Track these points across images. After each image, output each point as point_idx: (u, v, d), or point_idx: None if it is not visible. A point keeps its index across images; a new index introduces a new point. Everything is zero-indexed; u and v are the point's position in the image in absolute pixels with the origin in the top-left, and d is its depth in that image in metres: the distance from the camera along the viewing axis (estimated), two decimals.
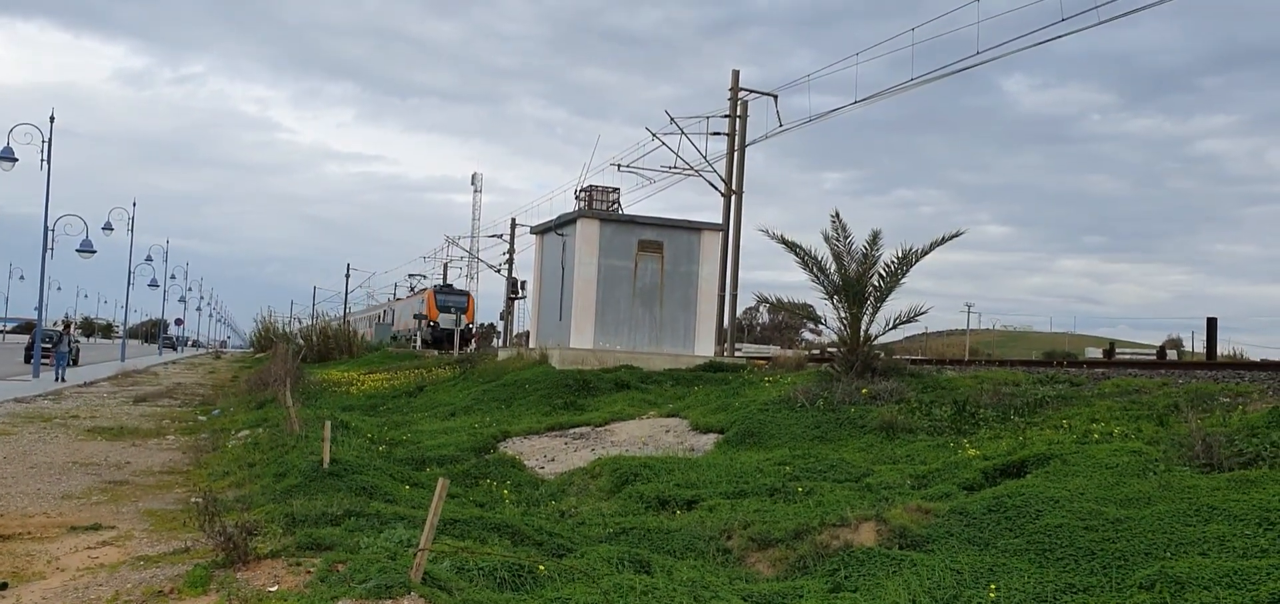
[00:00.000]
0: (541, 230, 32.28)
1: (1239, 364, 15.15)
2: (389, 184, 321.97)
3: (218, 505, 8.67)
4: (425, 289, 64.34)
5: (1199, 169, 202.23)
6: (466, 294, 62.77)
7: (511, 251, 67.40)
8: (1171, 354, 54.45)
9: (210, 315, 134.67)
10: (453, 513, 9.07)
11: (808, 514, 9.17)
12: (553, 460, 14.60)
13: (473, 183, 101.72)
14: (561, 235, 29.33)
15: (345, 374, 33.68)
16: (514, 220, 68.13)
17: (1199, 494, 8.02)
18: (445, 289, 63.15)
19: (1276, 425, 9.61)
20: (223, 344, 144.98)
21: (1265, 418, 9.94)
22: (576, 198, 30.53)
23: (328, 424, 12.26)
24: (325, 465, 11.34)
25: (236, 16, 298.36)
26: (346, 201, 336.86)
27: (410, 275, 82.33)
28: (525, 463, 14.29)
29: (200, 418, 22.77)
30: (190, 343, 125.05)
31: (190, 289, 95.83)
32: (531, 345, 31.09)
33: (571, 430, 16.94)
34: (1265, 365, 14.53)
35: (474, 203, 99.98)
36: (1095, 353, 62.36)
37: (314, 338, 54.80)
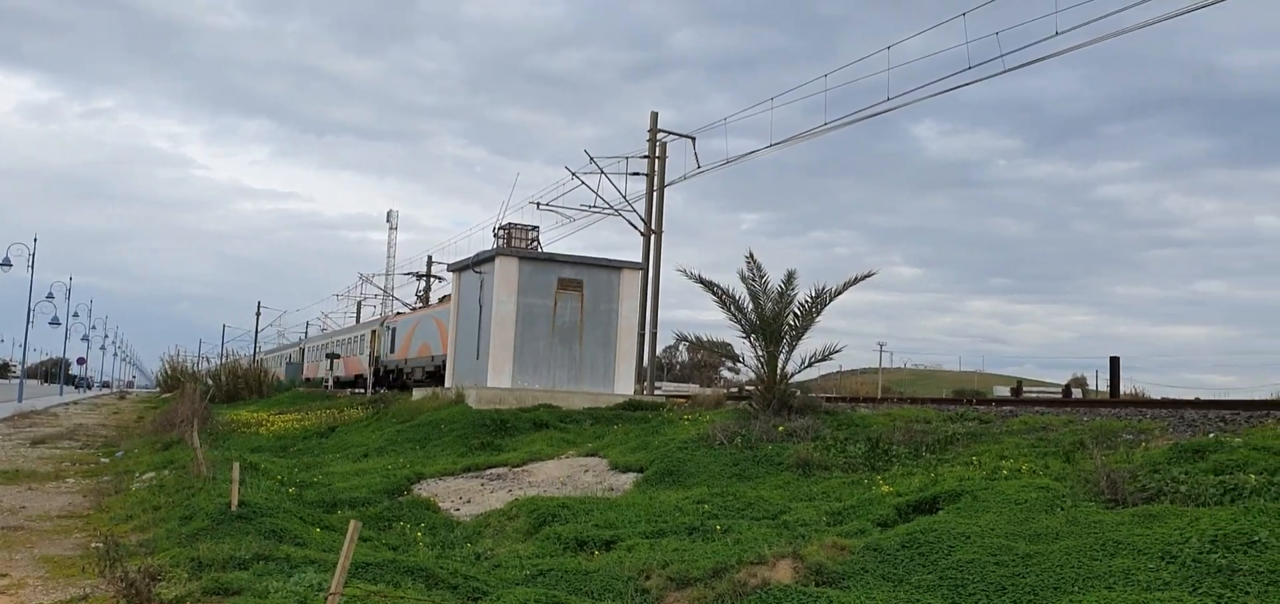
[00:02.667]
0: (459, 268, 32.04)
1: (1141, 402, 15.65)
2: (304, 221, 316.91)
3: (119, 550, 8.36)
4: None
5: (1101, 213, 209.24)
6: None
7: (427, 290, 66.69)
8: (1076, 392, 55.92)
9: (116, 355, 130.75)
10: (365, 556, 8.88)
11: (726, 552, 9.17)
12: (469, 502, 14.40)
13: (388, 220, 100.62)
14: (479, 273, 29.15)
15: (255, 415, 32.91)
16: (430, 258, 67.48)
17: (1105, 529, 8.22)
18: None
19: (1177, 461, 9.91)
20: (129, 384, 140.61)
21: (1166, 454, 10.24)
22: (495, 236, 30.40)
23: (236, 466, 11.94)
24: (234, 508, 11.02)
25: (150, 51, 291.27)
26: (260, 239, 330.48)
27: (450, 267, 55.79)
28: (440, 505, 14.07)
29: (103, 460, 22.00)
30: (100, 384, 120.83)
31: (94, 327, 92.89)
32: (447, 384, 30.73)
33: (488, 471, 16.74)
34: (1166, 403, 15.03)
35: (389, 240, 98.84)
36: (1003, 391, 63.76)
37: (222, 377, 53.43)
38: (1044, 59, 20.42)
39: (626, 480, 14.92)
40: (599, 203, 37.20)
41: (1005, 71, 21.01)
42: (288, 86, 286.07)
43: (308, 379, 58.67)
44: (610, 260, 29.17)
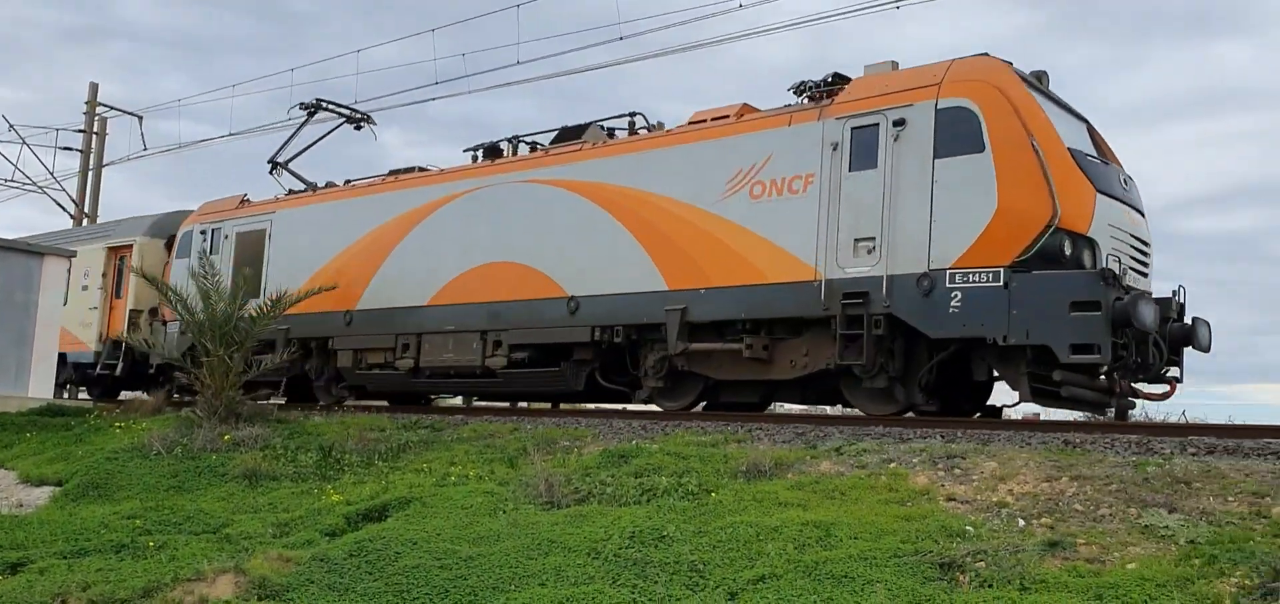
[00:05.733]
0: None
1: (579, 412, 17.03)
2: None
3: None
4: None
5: None
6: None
7: None
8: (522, 401, 59.38)
9: None
10: None
11: (159, 570, 8.58)
12: None
13: None
14: None
15: None
16: None
17: (541, 530, 8.84)
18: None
19: (605, 466, 10.93)
20: None
21: (597, 459, 11.26)
22: None
23: None
24: None
25: None
26: None
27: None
28: None
29: None
30: None
31: None
32: None
33: None
34: (598, 413, 16.47)
35: None
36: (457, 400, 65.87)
37: None
38: (507, 86, 21.52)
39: (41, 495, 13.29)
40: (18, 176, 32.90)
41: (471, 93, 21.85)
42: None
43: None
44: (31, 244, 25.74)
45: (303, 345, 19.54)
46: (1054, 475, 8.71)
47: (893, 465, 9.74)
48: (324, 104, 21.64)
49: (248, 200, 22.00)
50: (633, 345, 15.26)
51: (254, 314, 16.93)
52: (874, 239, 12.67)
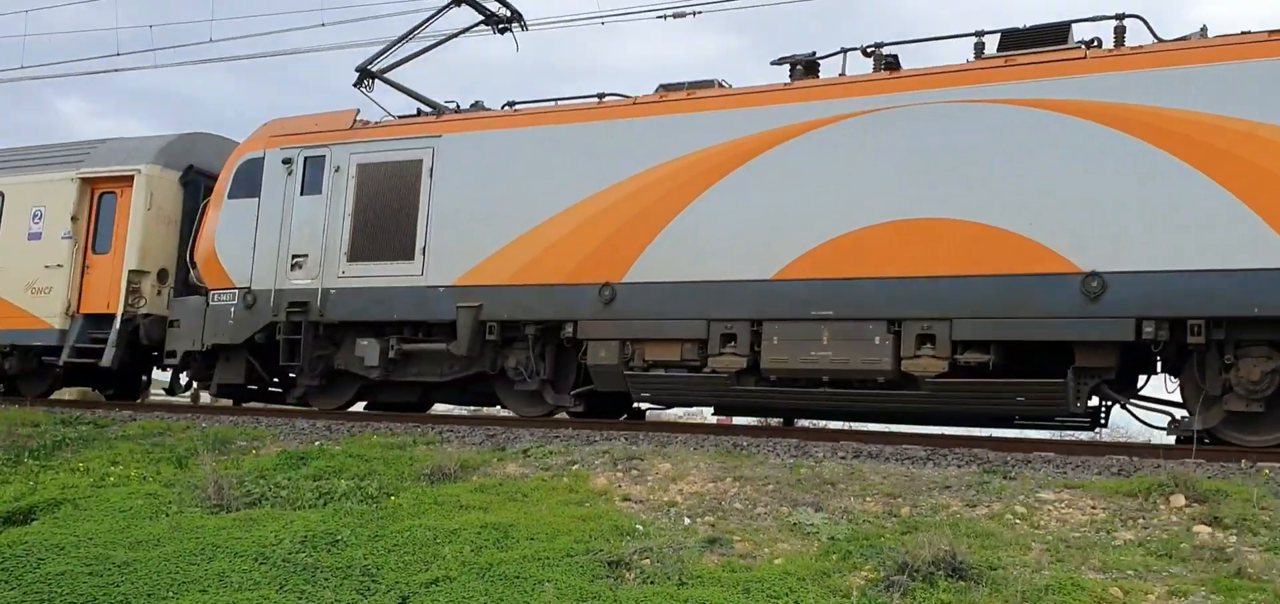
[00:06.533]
0: None
1: (258, 411, 16.23)
2: None
3: None
4: None
5: None
6: None
7: None
8: (205, 398, 55.82)
9: None
10: None
11: None
12: None
13: None
14: None
15: None
16: None
17: (207, 534, 8.44)
18: None
19: (282, 468, 10.53)
20: None
21: (274, 461, 10.83)
22: None
23: None
24: None
25: None
26: None
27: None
28: None
29: None
30: None
31: None
32: None
33: None
34: (283, 412, 15.81)
35: None
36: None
37: None
38: (202, 63, 20.48)
39: None
40: None
41: (159, 66, 20.56)
42: None
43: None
44: None
45: (504, 331, 13.47)
46: (720, 476, 9.27)
47: (576, 467, 10.01)
48: None
49: (366, 121, 15.15)
50: (1205, 349, 10.40)
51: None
52: None
